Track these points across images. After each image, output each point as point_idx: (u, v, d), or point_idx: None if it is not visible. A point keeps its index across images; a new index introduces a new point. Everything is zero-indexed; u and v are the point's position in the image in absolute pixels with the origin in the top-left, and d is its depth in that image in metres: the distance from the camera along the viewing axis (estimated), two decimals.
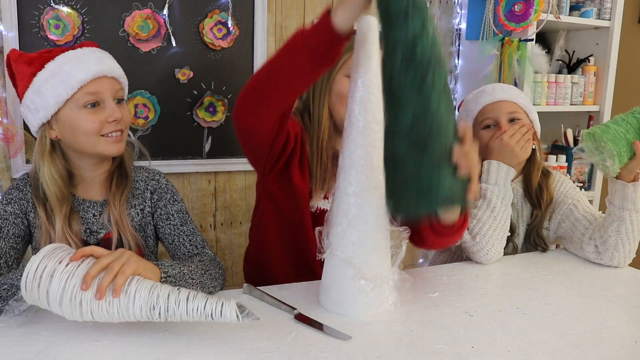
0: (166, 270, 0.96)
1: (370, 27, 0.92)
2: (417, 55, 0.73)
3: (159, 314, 0.83)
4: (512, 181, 1.40)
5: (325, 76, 1.19)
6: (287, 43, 0.92)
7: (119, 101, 1.14)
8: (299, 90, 1.00)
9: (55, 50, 1.11)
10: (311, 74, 0.95)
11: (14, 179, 1.88)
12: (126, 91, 1.19)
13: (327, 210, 1.23)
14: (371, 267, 0.96)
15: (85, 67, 1.07)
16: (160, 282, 0.93)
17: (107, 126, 1.10)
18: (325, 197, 1.27)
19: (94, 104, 1.09)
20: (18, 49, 1.79)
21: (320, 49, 0.88)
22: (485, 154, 1.42)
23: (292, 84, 0.96)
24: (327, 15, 0.84)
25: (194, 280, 1.01)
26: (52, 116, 1.08)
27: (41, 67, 1.07)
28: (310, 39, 0.88)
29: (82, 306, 0.83)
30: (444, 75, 0.77)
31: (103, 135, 1.10)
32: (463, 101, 1.55)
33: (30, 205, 1.12)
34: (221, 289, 1.10)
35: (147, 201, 1.19)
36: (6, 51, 1.79)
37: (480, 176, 1.36)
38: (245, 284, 1.10)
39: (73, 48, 1.11)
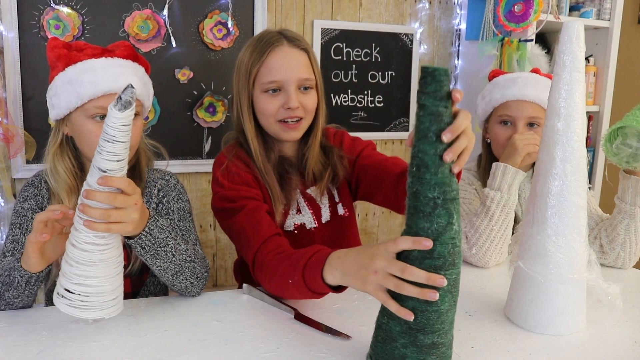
0: (151, 229, 0.94)
1: (577, 32, 0.93)
2: (434, 253, 0.75)
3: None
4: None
5: (245, 99, 1.16)
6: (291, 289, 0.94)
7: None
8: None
9: (86, 49, 1.08)
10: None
11: (14, 179, 1.88)
12: (147, 104, 1.15)
13: (305, 224, 1.21)
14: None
15: (98, 82, 1.05)
16: (142, 233, 0.92)
17: None
18: (298, 211, 1.21)
19: (103, 116, 1.08)
20: (18, 49, 1.80)
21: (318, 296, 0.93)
22: (496, 149, 1.41)
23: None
24: (322, 280, 0.86)
25: (175, 258, 0.98)
26: (65, 115, 1.10)
27: (65, 65, 1.07)
28: (311, 295, 0.92)
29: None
30: (456, 273, 0.78)
31: None
32: (493, 79, 1.48)
33: (45, 200, 1.13)
34: (200, 290, 1.07)
35: (153, 198, 1.19)
36: (6, 51, 1.80)
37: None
38: (245, 285, 1.10)
39: (102, 53, 1.09)
